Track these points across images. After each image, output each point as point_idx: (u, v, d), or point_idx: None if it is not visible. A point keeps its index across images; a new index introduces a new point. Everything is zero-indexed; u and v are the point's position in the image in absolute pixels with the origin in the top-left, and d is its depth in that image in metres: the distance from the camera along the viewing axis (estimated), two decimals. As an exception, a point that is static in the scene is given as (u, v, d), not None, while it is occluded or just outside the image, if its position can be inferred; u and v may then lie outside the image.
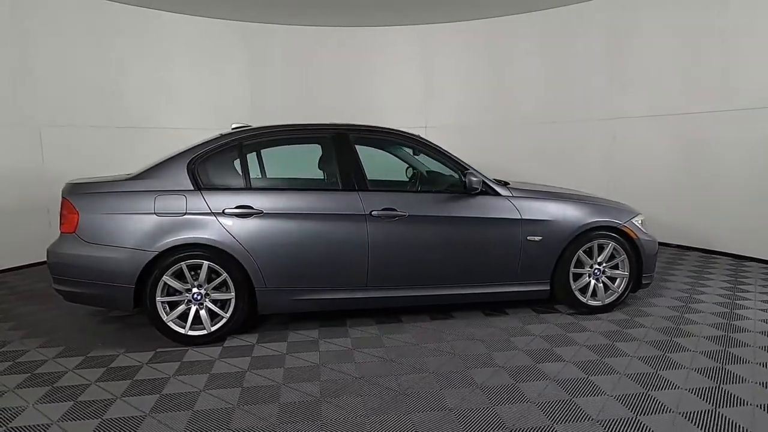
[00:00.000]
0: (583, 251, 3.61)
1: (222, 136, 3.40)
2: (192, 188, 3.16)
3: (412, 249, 3.36)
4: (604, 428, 2.17)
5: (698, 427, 2.17)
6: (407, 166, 4.04)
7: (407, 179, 4.09)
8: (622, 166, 6.19)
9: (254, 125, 3.57)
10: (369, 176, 3.42)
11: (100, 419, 2.28)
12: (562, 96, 6.57)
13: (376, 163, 3.69)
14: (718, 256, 5.46)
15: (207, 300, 3.15)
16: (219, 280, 3.13)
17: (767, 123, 4.91)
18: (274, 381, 2.66)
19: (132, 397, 2.50)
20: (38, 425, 2.24)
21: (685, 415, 2.27)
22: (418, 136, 3.67)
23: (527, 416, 2.28)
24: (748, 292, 4.16)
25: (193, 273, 3.11)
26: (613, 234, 3.63)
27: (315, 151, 3.70)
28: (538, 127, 6.78)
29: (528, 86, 6.82)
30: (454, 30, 7.13)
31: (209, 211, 3.12)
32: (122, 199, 3.09)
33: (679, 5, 5.54)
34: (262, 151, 3.68)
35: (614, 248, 3.64)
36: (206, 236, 3.08)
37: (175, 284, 3.08)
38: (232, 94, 6.90)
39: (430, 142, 3.65)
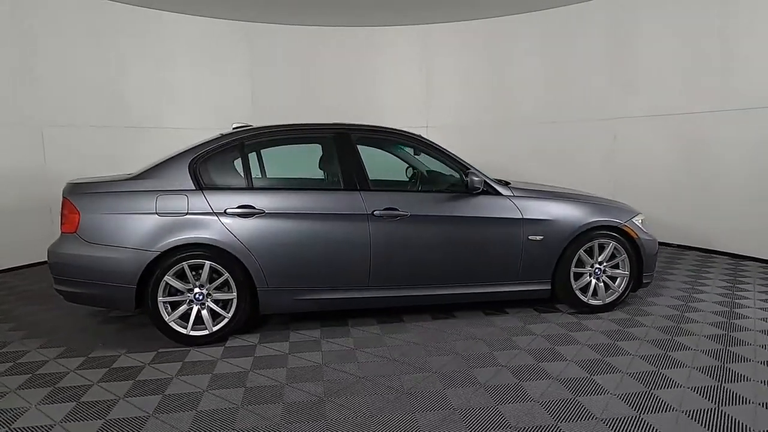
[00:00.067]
0: (584, 251, 3.62)
1: (223, 135, 3.40)
2: (193, 188, 3.16)
3: (413, 249, 3.36)
4: (609, 427, 2.17)
5: (702, 425, 2.18)
6: (407, 165, 4.04)
7: (407, 179, 4.09)
8: (623, 166, 6.20)
9: (255, 125, 3.56)
10: (370, 176, 3.42)
11: (103, 420, 2.28)
12: (562, 96, 6.58)
13: (376, 162, 3.69)
14: (717, 256, 5.48)
15: (209, 300, 3.15)
16: (221, 280, 3.12)
17: (767, 123, 4.93)
18: (277, 381, 2.65)
19: (135, 397, 2.49)
20: (41, 426, 2.23)
21: (688, 413, 2.28)
22: (420, 136, 3.68)
23: (531, 415, 2.28)
24: (747, 291, 4.18)
25: (194, 273, 3.10)
26: (613, 233, 3.64)
27: (316, 151, 3.70)
28: (539, 127, 6.79)
29: (528, 86, 6.83)
30: (454, 30, 7.14)
31: (211, 211, 3.12)
32: (124, 199, 3.08)
33: (679, 5, 5.55)
34: (263, 150, 3.67)
35: (615, 248, 3.66)
36: (208, 236, 3.08)
37: (176, 284, 3.08)
38: (233, 94, 6.89)
39: (431, 142, 3.65)
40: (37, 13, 5.29)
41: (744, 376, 2.64)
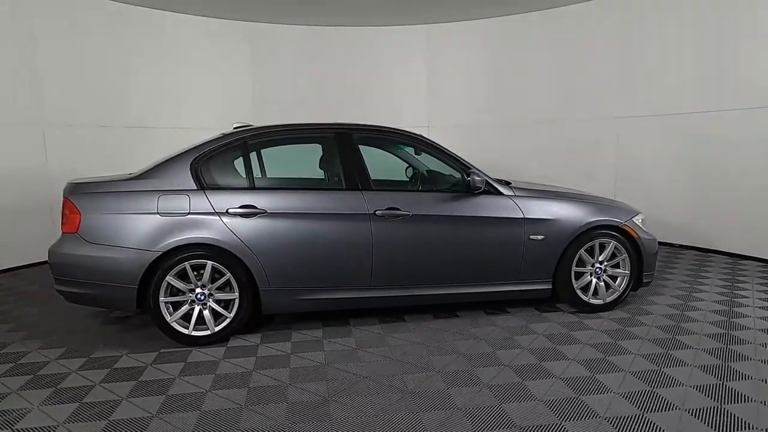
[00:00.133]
0: (585, 250, 3.64)
1: (224, 135, 3.39)
2: (195, 188, 3.15)
3: (415, 248, 3.37)
4: (613, 425, 2.18)
5: (705, 423, 2.19)
6: (407, 165, 4.04)
7: (407, 179, 4.09)
8: (626, 166, 6.21)
9: (255, 125, 3.56)
10: (372, 176, 3.42)
11: (107, 420, 2.27)
12: (565, 95, 6.58)
13: (378, 162, 3.69)
14: (714, 255, 5.51)
15: (210, 300, 3.14)
16: (223, 280, 3.12)
17: (766, 123, 4.96)
18: (280, 381, 2.65)
19: (138, 398, 2.48)
20: (45, 427, 2.22)
21: (691, 411, 2.29)
22: (421, 136, 3.68)
23: (536, 414, 2.29)
24: (745, 289, 4.21)
25: (196, 273, 3.09)
26: (614, 233, 3.66)
27: (318, 150, 3.69)
28: (541, 127, 6.79)
29: (531, 86, 6.82)
30: (457, 29, 7.13)
31: (213, 211, 3.11)
32: (125, 199, 3.07)
33: (681, 5, 5.57)
34: (265, 150, 3.66)
35: (615, 247, 3.67)
36: (210, 236, 3.07)
37: (178, 284, 3.07)
38: (234, 93, 6.87)
39: (432, 142, 3.65)
40: (40, 13, 5.28)
41: (745, 374, 2.65)
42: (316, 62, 7.16)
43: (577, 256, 3.61)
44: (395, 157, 3.93)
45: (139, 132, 6.07)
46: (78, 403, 2.43)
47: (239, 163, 3.34)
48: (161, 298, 3.04)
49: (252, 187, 3.26)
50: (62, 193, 3.17)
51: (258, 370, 2.78)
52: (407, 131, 3.69)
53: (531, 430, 2.16)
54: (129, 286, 3.02)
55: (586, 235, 3.61)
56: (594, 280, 3.69)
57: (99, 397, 2.49)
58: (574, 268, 3.62)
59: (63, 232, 3.12)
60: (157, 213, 3.05)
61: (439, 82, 7.34)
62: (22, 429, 2.20)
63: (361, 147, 3.46)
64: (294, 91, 7.09)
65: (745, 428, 2.15)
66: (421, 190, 3.79)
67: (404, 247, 3.34)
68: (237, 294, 3.14)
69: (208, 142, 3.33)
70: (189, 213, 3.08)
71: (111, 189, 3.12)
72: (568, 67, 6.54)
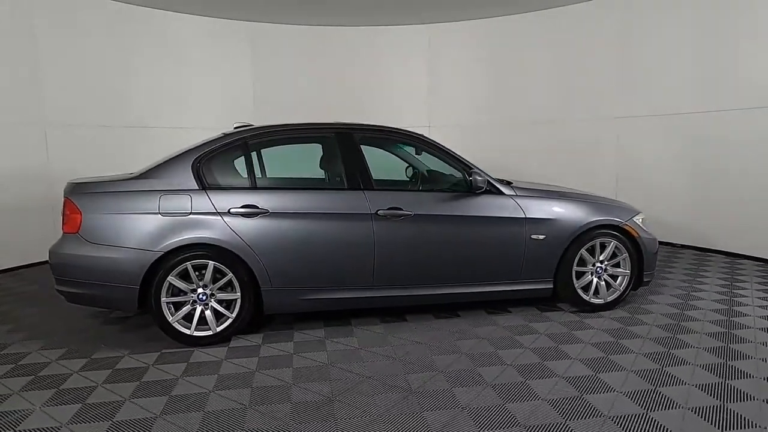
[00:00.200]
0: (586, 249, 3.64)
1: (226, 135, 3.38)
2: (197, 188, 3.14)
3: (417, 248, 3.37)
4: (617, 424, 2.19)
5: (708, 422, 2.20)
6: (407, 165, 4.04)
7: (407, 179, 4.09)
8: (626, 166, 6.23)
9: (256, 124, 3.55)
10: (373, 176, 3.42)
11: (110, 421, 2.26)
12: (565, 95, 6.60)
13: (379, 162, 3.69)
14: (712, 254, 5.54)
15: (212, 300, 3.13)
16: (224, 280, 3.11)
17: (766, 123, 4.99)
18: (283, 381, 2.65)
19: (141, 398, 2.47)
20: (48, 428, 2.21)
21: (694, 410, 2.30)
22: (423, 136, 3.68)
23: (540, 413, 2.29)
24: (744, 288, 4.23)
25: (198, 273, 3.09)
26: (614, 232, 3.67)
27: (319, 150, 3.69)
28: (541, 127, 6.80)
29: (532, 86, 6.83)
30: (458, 29, 7.13)
31: (214, 211, 3.10)
32: (126, 199, 3.06)
33: (681, 5, 5.59)
34: (267, 150, 3.65)
35: (616, 246, 3.68)
36: (212, 236, 3.06)
37: (180, 284, 3.06)
38: (235, 93, 6.86)
39: (434, 142, 3.66)
40: (41, 13, 5.26)
41: (747, 373, 2.67)
42: (316, 62, 7.15)
43: (578, 256, 3.62)
44: (397, 157, 3.93)
45: (139, 132, 6.05)
46: (81, 404, 2.42)
47: (241, 163, 3.33)
48: (163, 299, 3.03)
49: (254, 187, 3.25)
50: (62, 193, 3.15)
51: (261, 371, 2.78)
52: (409, 131, 3.69)
53: (536, 429, 2.17)
54: (130, 287, 3.00)
55: (587, 234, 3.62)
56: (595, 280, 3.70)
57: (102, 398, 2.48)
58: (575, 268, 3.62)
59: (64, 232, 3.10)
60: (159, 213, 3.04)
61: (440, 82, 7.34)
62: (25, 430, 2.19)
63: (362, 147, 3.46)
64: (294, 91, 7.08)
65: (748, 426, 2.16)
66: (421, 190, 3.79)
67: (406, 246, 3.34)
68: (239, 294, 3.13)
69: (209, 141, 3.32)
70: (191, 213, 3.07)
71: (112, 189, 3.11)
72: (567, 67, 6.55)
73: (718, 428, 2.15)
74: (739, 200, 5.26)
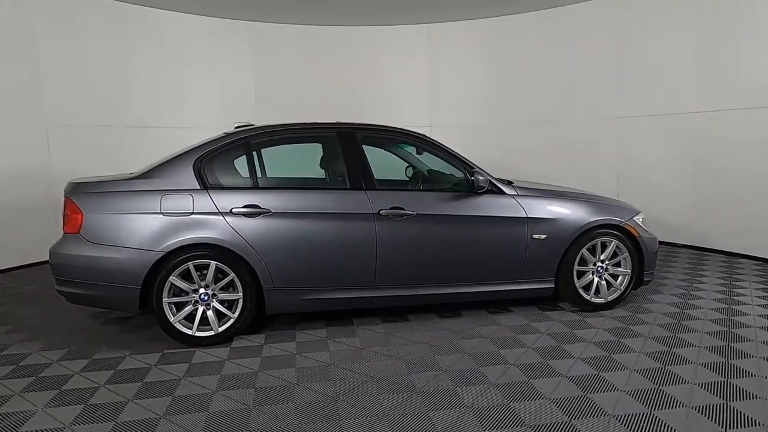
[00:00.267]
0: (587, 249, 3.65)
1: (227, 135, 3.37)
2: (198, 187, 3.13)
3: (419, 248, 3.37)
4: (622, 423, 2.19)
5: (712, 420, 2.21)
6: (407, 165, 4.04)
7: (407, 179, 4.09)
8: (626, 166, 6.23)
9: (257, 124, 3.54)
10: (375, 175, 3.41)
11: (114, 422, 2.25)
12: (565, 95, 6.60)
13: (381, 162, 3.69)
14: (710, 254, 5.56)
15: (214, 300, 3.12)
16: (226, 280, 3.10)
17: (766, 123, 5.00)
18: (287, 381, 2.64)
19: (144, 399, 2.46)
20: (51, 429, 2.20)
21: (697, 408, 2.30)
22: (424, 135, 3.68)
23: (545, 412, 2.29)
24: (743, 288, 4.24)
25: (199, 273, 3.08)
26: (615, 232, 3.68)
27: (322, 150, 3.68)
28: (541, 127, 6.81)
29: (533, 85, 6.83)
30: (458, 29, 7.13)
31: (216, 211, 3.09)
32: (127, 199, 3.05)
33: (681, 5, 5.60)
34: (268, 150, 3.64)
35: (617, 246, 3.69)
36: (214, 236, 3.05)
37: (181, 285, 3.05)
38: (236, 93, 6.85)
39: (436, 142, 3.66)
40: (42, 13, 5.24)
41: (748, 371, 2.68)
42: (316, 62, 7.14)
43: (579, 255, 3.62)
44: (398, 157, 3.92)
45: (139, 132, 6.03)
46: (83, 405, 2.41)
47: (242, 163, 3.33)
48: (164, 299, 3.02)
49: (255, 187, 3.25)
50: (63, 193, 3.14)
51: (264, 371, 2.77)
52: (410, 130, 3.69)
53: (542, 428, 2.17)
54: (132, 287, 2.99)
55: (587, 234, 3.63)
56: (596, 279, 3.71)
57: (104, 398, 2.47)
58: (576, 267, 3.63)
59: (64, 232, 3.09)
60: (161, 213, 3.03)
61: (440, 81, 7.34)
62: (28, 431, 2.18)
63: (364, 146, 3.46)
64: (294, 91, 7.07)
65: (751, 425, 2.17)
66: (423, 190, 3.79)
67: (408, 246, 3.34)
68: (241, 294, 3.13)
69: (210, 141, 3.31)
70: (192, 213, 3.06)
71: (113, 189, 3.10)
72: (568, 67, 6.55)
73: (722, 427, 2.16)
74: (738, 200, 5.28)
